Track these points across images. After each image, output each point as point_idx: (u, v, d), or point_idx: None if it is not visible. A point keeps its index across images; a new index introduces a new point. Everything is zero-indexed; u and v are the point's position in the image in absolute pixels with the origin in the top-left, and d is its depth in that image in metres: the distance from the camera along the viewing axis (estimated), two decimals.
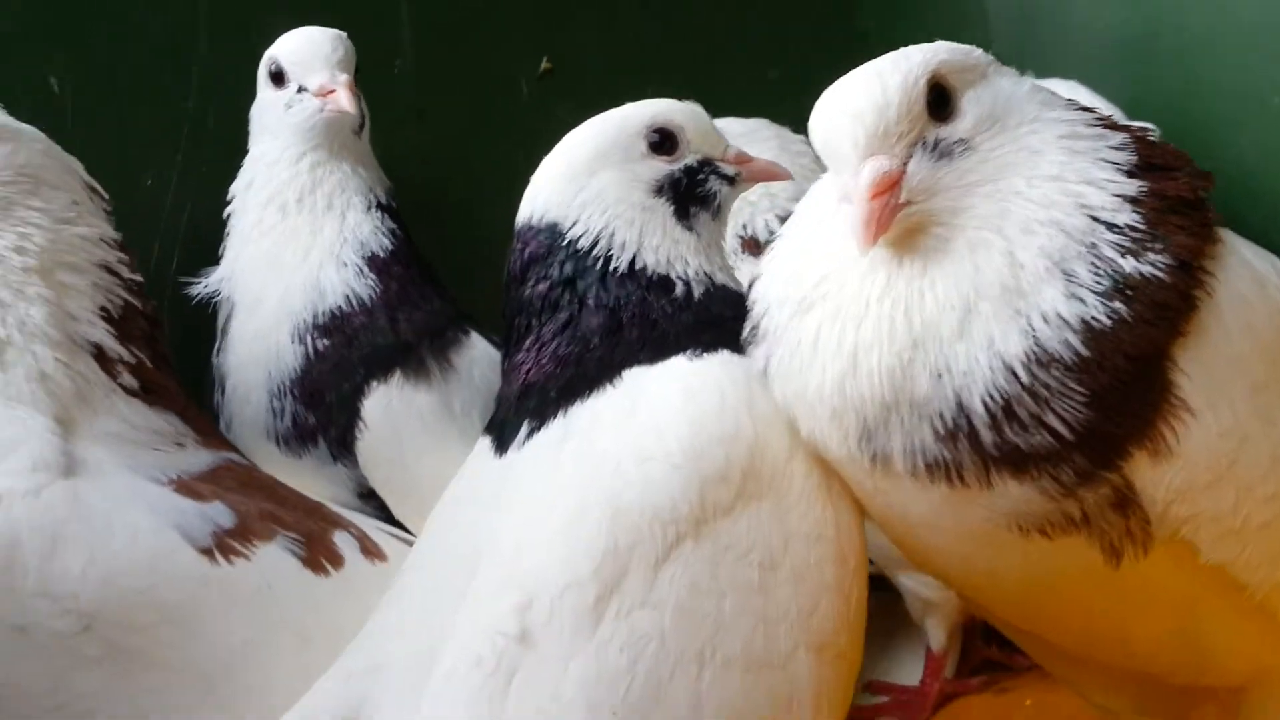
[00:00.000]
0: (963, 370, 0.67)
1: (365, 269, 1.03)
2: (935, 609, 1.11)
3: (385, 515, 0.99)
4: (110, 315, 0.86)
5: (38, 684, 0.73)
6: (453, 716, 0.68)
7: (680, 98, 0.88)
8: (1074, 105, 0.74)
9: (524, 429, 0.79)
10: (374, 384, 0.99)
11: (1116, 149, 0.70)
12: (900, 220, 0.69)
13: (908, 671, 1.15)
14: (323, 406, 1.00)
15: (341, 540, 0.87)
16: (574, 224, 0.82)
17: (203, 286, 1.08)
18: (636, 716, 0.67)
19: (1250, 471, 0.68)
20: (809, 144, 0.75)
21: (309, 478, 0.99)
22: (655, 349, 0.79)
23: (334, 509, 0.93)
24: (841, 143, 0.70)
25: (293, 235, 1.05)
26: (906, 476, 0.70)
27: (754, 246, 1.17)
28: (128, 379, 0.86)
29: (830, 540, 0.74)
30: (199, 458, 0.87)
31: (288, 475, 0.97)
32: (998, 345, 0.67)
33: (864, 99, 0.70)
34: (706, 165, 0.86)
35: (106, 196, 0.92)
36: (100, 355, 0.85)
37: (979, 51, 0.75)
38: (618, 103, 0.87)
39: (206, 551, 0.79)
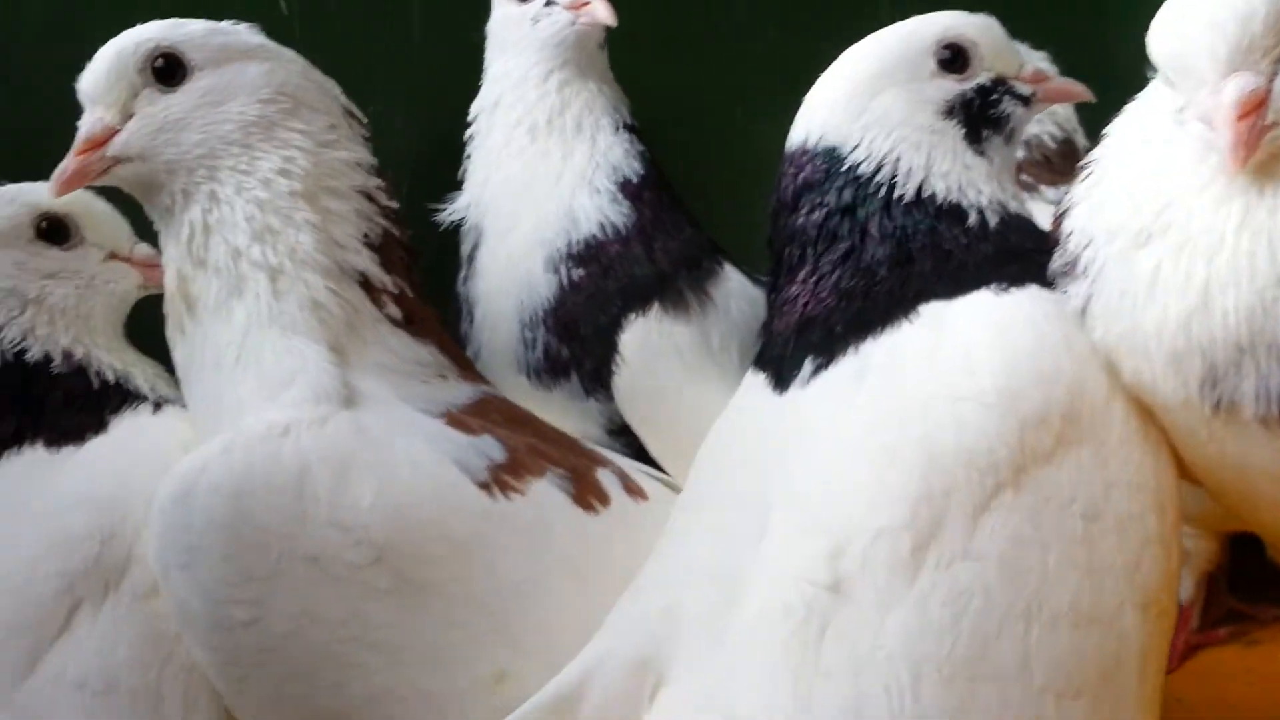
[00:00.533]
0: None
1: (619, 195, 1.00)
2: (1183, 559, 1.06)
3: (635, 453, 0.97)
4: (372, 243, 0.84)
5: (333, 613, 0.73)
6: (763, 664, 0.65)
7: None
8: None
9: (807, 365, 0.76)
10: (632, 316, 0.96)
11: None
12: (1266, 144, 0.63)
13: None
14: (577, 339, 0.97)
15: (605, 478, 0.85)
16: (855, 148, 0.78)
17: (449, 212, 1.05)
18: (963, 674, 0.63)
19: None
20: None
21: (558, 412, 0.97)
22: (953, 282, 0.74)
23: (591, 446, 0.91)
24: (1196, 56, 0.64)
25: (543, 159, 1.02)
26: (1254, 423, 0.65)
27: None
28: (392, 309, 0.84)
29: (1151, 490, 0.70)
30: (461, 390, 0.85)
31: (536, 408, 0.95)
32: None
33: (1225, 7, 0.64)
34: (1000, 84, 0.81)
35: (365, 121, 0.90)
36: (366, 284, 0.83)
37: None
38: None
39: (485, 486, 0.78)
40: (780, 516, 0.71)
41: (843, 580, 0.66)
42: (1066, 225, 0.73)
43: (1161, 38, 0.67)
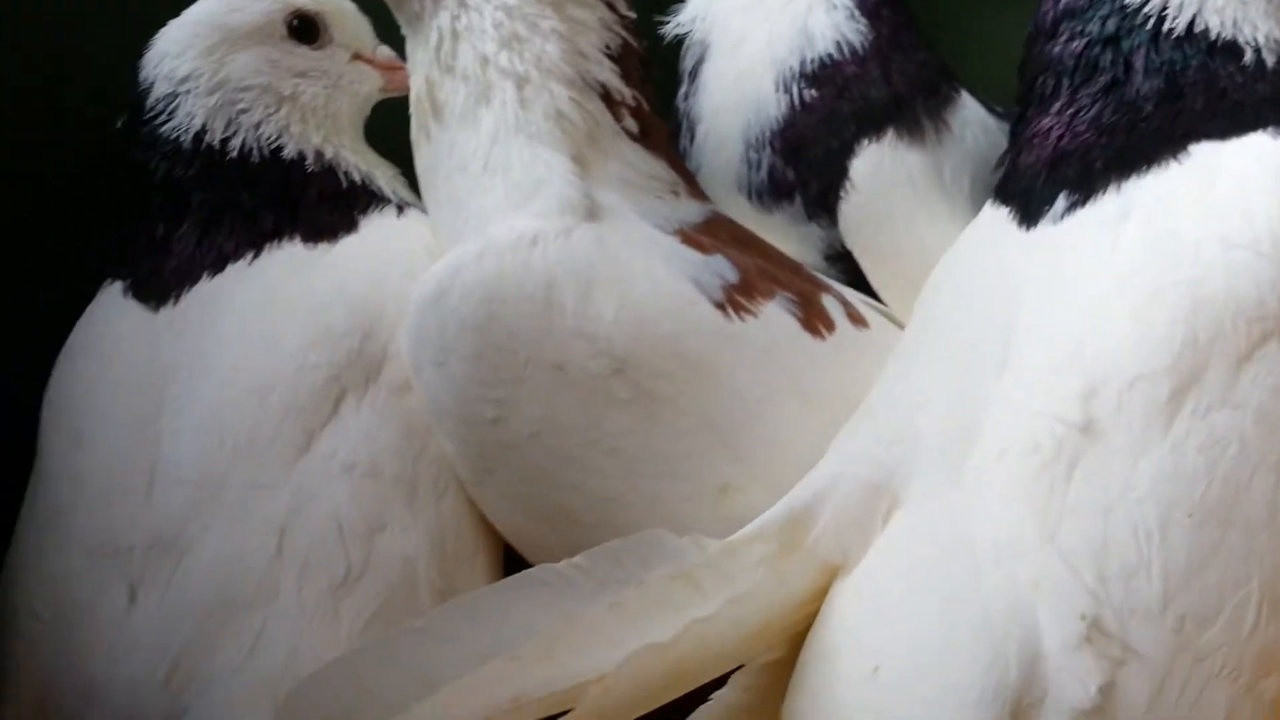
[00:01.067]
0: None
1: (856, 11, 0.96)
2: None
3: (851, 281, 0.96)
4: (612, 54, 0.84)
5: (574, 418, 0.76)
6: (1007, 499, 0.66)
7: None
8: None
9: (1060, 201, 0.74)
10: (865, 142, 0.93)
11: None
12: None
13: None
14: (805, 162, 0.95)
15: (829, 304, 0.85)
16: None
17: (674, 25, 1.03)
18: (1213, 520, 0.63)
19: None
20: None
21: (777, 235, 0.95)
22: (1226, 122, 0.71)
23: (814, 272, 0.91)
24: None
25: None
26: None
27: None
28: (629, 122, 0.85)
29: None
30: (691, 208, 0.86)
31: (755, 230, 0.94)
32: None
33: None
34: None
35: None
36: (606, 96, 0.84)
37: None
38: None
39: (720, 306, 0.79)
40: (1027, 352, 0.70)
41: (1095, 421, 0.66)
42: None
43: None
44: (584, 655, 0.63)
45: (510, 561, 0.81)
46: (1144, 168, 0.72)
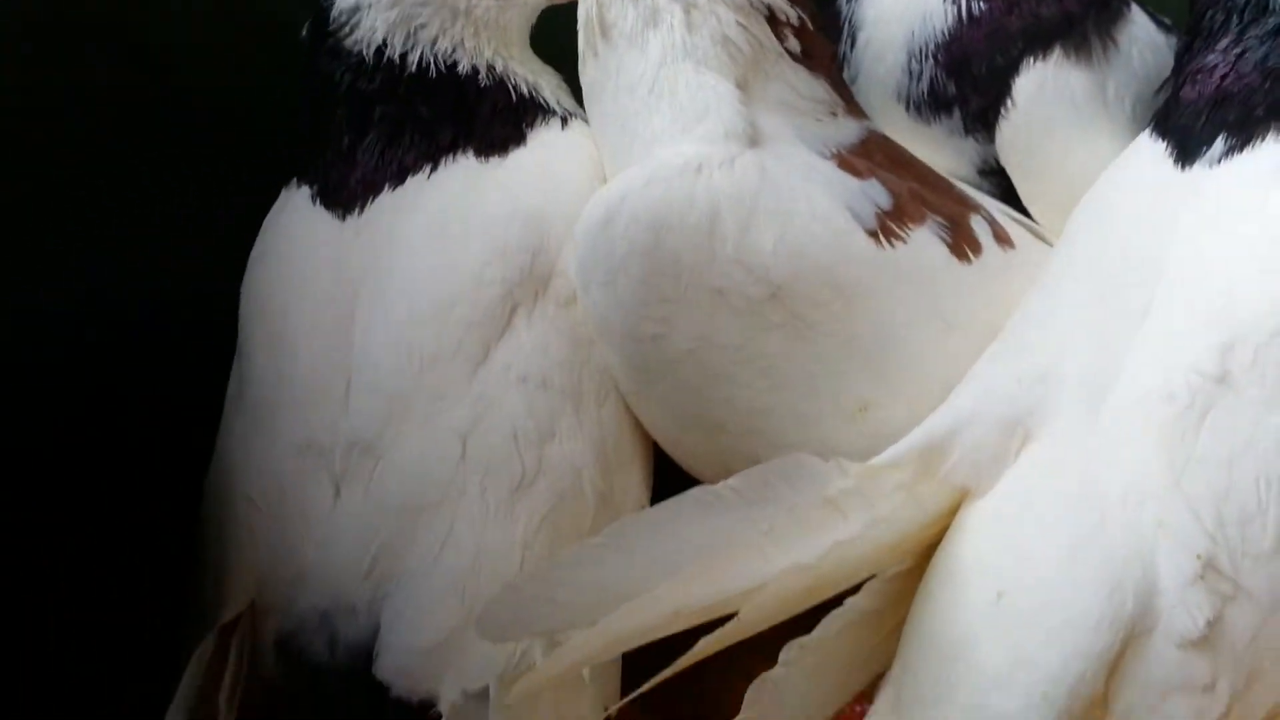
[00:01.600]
0: None
1: None
2: None
3: (1003, 195, 0.98)
4: None
5: (729, 338, 0.80)
6: (1138, 444, 0.70)
7: None
8: None
9: (1219, 144, 0.75)
10: (1031, 60, 0.93)
11: None
12: None
13: None
14: (967, 76, 0.95)
15: (977, 225, 0.87)
16: None
17: None
18: None
19: None
20: None
21: (932, 146, 0.97)
22: None
23: (964, 188, 0.93)
24: None
25: None
26: None
27: None
28: (792, 42, 0.86)
29: None
30: (849, 128, 0.88)
31: (909, 140, 0.96)
32: None
33: None
34: None
35: None
36: (771, 17, 0.85)
37: None
38: None
39: (873, 234, 0.82)
40: (1172, 300, 0.72)
41: (1231, 373, 0.68)
42: None
43: None
44: (740, 574, 0.69)
45: (663, 467, 0.88)
46: None
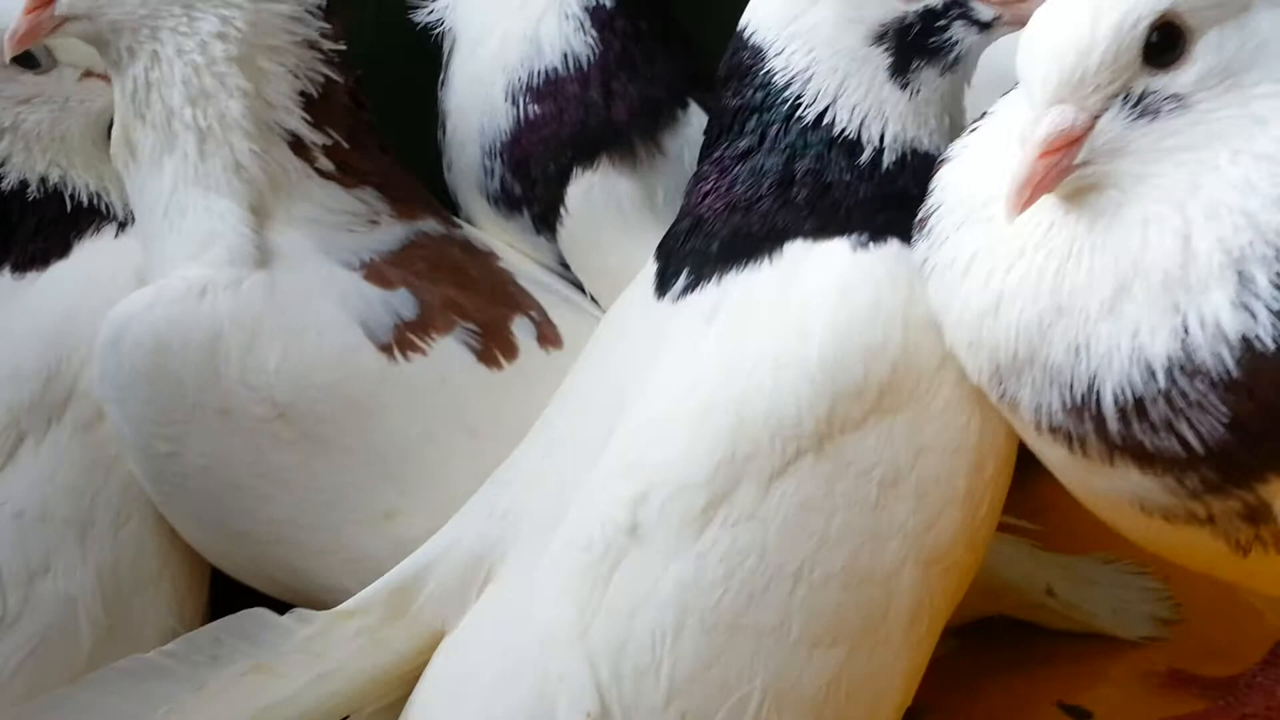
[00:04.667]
0: (1101, 353, 0.62)
1: (587, 23, 0.96)
2: None
3: None
4: (309, 95, 0.88)
5: (242, 455, 0.84)
6: (560, 589, 0.73)
7: None
8: None
9: (683, 279, 0.78)
10: (578, 171, 0.95)
11: None
12: (1072, 181, 0.61)
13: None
14: (529, 179, 0.98)
15: (519, 327, 0.91)
16: (778, 54, 0.76)
17: (427, 12, 1.03)
18: (723, 625, 0.70)
19: None
20: None
21: (517, 239, 1.00)
22: (822, 219, 0.75)
23: (520, 284, 0.95)
24: (1033, 77, 0.62)
25: None
26: (1032, 428, 0.67)
27: None
28: (324, 162, 0.89)
29: (969, 450, 0.73)
30: (393, 234, 0.91)
31: (498, 232, 1.00)
32: (1143, 338, 0.60)
33: (1068, 34, 0.61)
34: (954, 7, 0.75)
35: None
36: (296, 143, 0.88)
37: None
38: None
39: (387, 348, 0.85)
40: (615, 444, 0.75)
41: (640, 526, 0.72)
42: (936, 178, 0.73)
43: (1021, 49, 0.64)
44: None
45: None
46: (744, 262, 0.76)
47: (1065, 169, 0.61)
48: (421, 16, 1.04)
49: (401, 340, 0.86)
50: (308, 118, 0.88)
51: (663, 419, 0.74)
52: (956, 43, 0.75)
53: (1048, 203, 0.63)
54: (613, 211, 0.96)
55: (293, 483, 0.85)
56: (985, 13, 0.75)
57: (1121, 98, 0.61)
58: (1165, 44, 0.60)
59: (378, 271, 0.88)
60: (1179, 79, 0.61)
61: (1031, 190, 0.60)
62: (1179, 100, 0.61)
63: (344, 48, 0.91)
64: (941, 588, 0.74)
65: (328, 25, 0.90)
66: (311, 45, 0.88)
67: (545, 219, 0.98)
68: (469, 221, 1.02)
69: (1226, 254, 0.59)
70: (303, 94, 0.88)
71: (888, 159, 0.75)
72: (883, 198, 0.75)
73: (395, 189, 0.93)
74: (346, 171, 0.90)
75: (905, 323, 0.72)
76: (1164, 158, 0.60)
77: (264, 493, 0.85)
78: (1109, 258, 0.61)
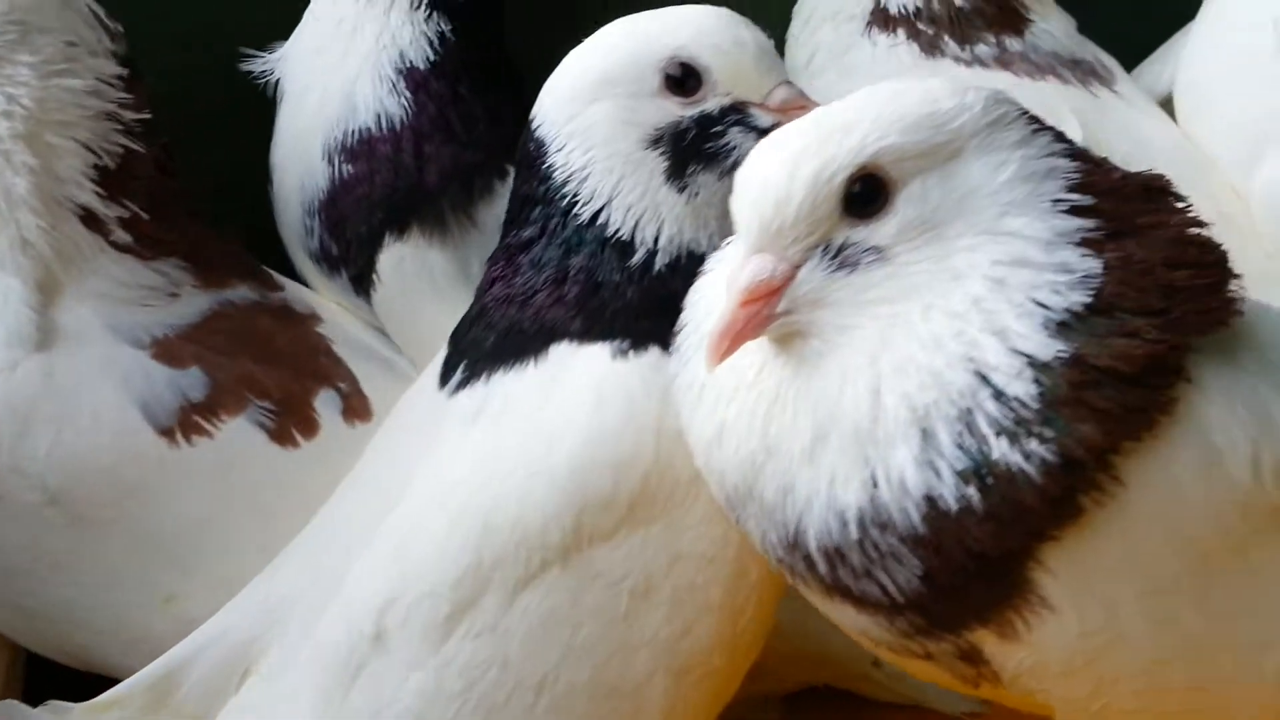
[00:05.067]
0: (803, 497, 0.60)
1: (401, 84, 0.94)
2: None
3: None
4: (105, 168, 0.86)
5: (16, 539, 0.83)
6: (307, 688, 0.72)
7: None
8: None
9: (459, 372, 0.76)
10: (388, 239, 0.93)
11: (1075, 281, 0.56)
12: (775, 329, 0.60)
13: None
14: (344, 241, 0.95)
15: (323, 402, 0.89)
16: (559, 149, 0.75)
17: (262, 63, 1.00)
18: None
19: (1117, 668, 0.60)
20: None
21: (340, 298, 0.98)
22: (588, 320, 0.73)
23: (336, 352, 0.92)
24: (739, 223, 0.61)
25: (336, 26, 0.96)
26: (761, 554, 0.66)
27: (884, 21, 1.01)
28: (120, 235, 0.87)
29: (727, 560, 0.71)
30: (194, 305, 0.89)
31: (323, 290, 0.98)
32: (837, 488, 0.59)
33: (768, 184, 0.59)
34: (732, 113, 0.73)
35: (112, 25, 0.88)
36: (88, 217, 0.86)
37: (975, 112, 0.59)
38: None
39: (168, 432, 0.84)
40: (377, 540, 0.74)
41: (385, 632, 0.71)
42: (692, 292, 0.70)
43: (734, 192, 0.62)
44: None
45: None
46: (511, 363, 0.74)
47: (766, 318, 0.59)
48: (251, 67, 1.01)
49: (185, 423, 0.85)
50: (101, 191, 0.86)
51: (420, 520, 0.73)
52: (734, 148, 0.73)
53: (761, 343, 0.61)
54: (425, 282, 0.94)
55: (68, 566, 0.84)
56: (763, 119, 0.73)
57: (822, 249, 0.59)
58: (867, 195, 0.59)
59: (169, 348, 0.86)
60: (880, 231, 0.59)
61: (731, 339, 0.59)
62: (879, 252, 0.59)
63: (148, 116, 0.89)
64: (697, 697, 0.73)
65: (128, 96, 0.88)
66: (109, 116, 0.87)
67: (360, 282, 0.96)
68: (303, 277, 1.01)
69: (912, 411, 0.57)
70: (97, 166, 0.86)
71: (660, 261, 0.73)
72: (652, 301, 0.72)
73: (202, 257, 0.91)
74: (145, 243, 0.88)
75: (658, 434, 0.70)
76: (863, 310, 0.59)
77: (41, 575, 0.84)
78: (809, 404, 0.60)
